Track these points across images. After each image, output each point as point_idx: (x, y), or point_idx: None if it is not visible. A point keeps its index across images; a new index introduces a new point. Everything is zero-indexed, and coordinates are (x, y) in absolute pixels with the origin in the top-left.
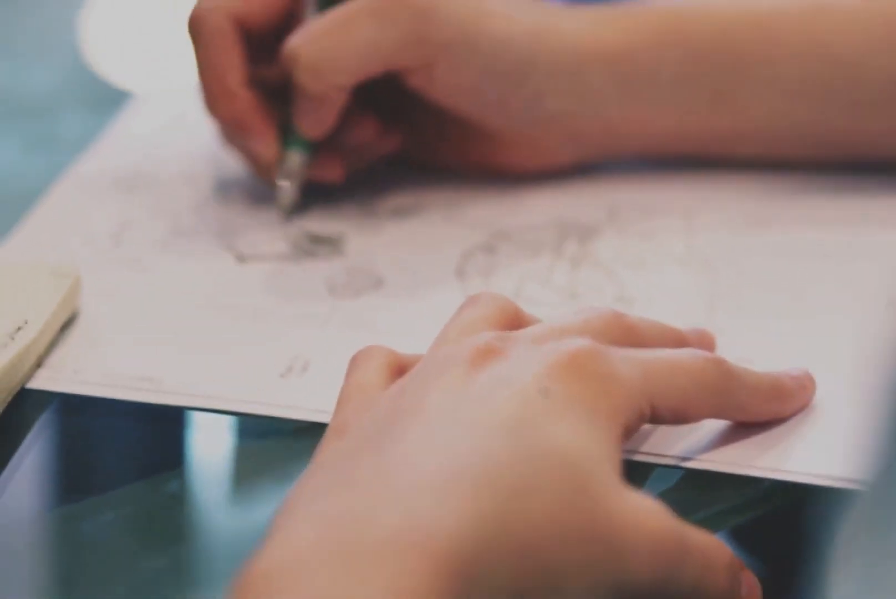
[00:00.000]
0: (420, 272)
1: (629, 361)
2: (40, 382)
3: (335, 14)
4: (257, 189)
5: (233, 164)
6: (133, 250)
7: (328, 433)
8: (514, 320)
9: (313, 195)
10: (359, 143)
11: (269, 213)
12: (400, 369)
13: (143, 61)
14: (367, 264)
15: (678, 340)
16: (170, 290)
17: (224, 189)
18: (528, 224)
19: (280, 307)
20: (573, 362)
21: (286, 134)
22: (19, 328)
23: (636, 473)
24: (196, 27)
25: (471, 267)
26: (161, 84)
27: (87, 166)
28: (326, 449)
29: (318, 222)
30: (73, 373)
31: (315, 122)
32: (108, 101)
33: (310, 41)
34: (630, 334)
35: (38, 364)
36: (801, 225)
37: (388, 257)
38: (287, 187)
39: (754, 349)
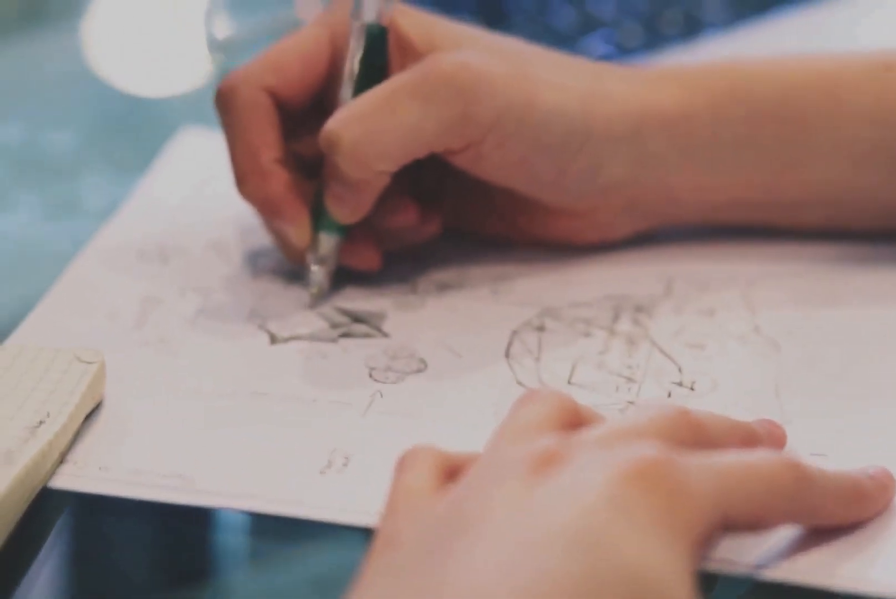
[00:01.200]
0: (466, 354)
1: (700, 469)
2: (64, 480)
3: (375, 94)
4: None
5: (263, 232)
6: (160, 330)
7: (377, 542)
8: (574, 419)
9: (349, 270)
10: (396, 228)
11: (304, 289)
12: (450, 471)
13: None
14: (408, 344)
15: (747, 436)
16: (199, 375)
17: (255, 260)
18: (580, 300)
19: (317, 394)
20: (642, 472)
21: (318, 215)
22: (41, 422)
23: (701, 582)
24: (228, 100)
25: (520, 348)
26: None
27: (110, 237)
28: (376, 562)
29: (356, 298)
30: (99, 470)
31: (351, 208)
32: (130, 159)
33: (350, 125)
34: (698, 434)
35: (61, 460)
36: (869, 301)
37: (431, 336)
38: (317, 273)
39: (827, 442)
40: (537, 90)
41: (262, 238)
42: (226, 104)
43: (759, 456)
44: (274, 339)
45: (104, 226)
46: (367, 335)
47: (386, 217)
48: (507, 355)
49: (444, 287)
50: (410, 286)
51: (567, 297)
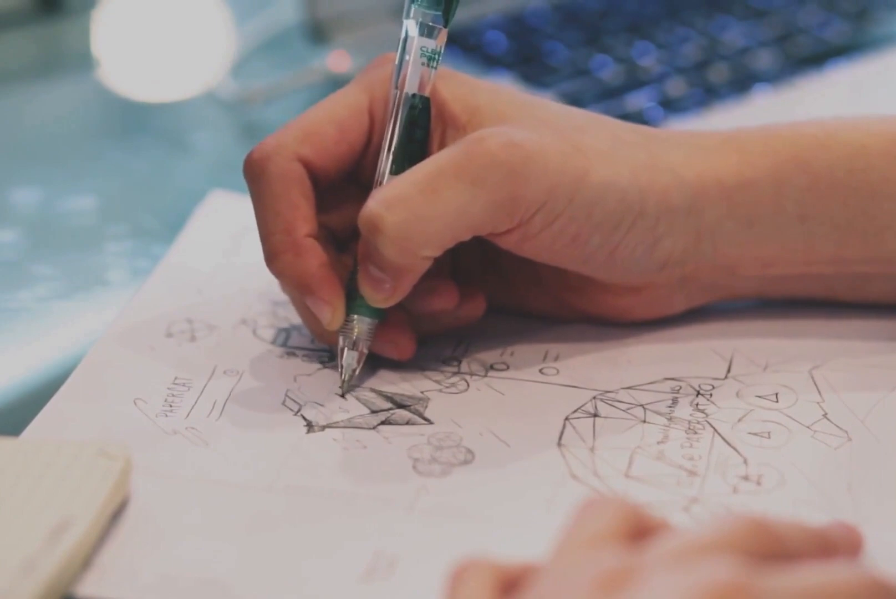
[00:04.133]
0: (515, 443)
1: (779, 593)
2: (88, 587)
3: (419, 175)
4: None
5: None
6: (189, 417)
7: None
8: (640, 528)
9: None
10: (434, 312)
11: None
12: (507, 585)
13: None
14: (454, 432)
15: (824, 545)
16: (232, 467)
17: (287, 336)
18: (635, 382)
19: (358, 488)
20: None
21: (351, 296)
22: (64, 526)
23: None
24: (259, 171)
25: (573, 436)
26: None
27: (135, 313)
28: None
29: (396, 381)
30: (126, 576)
31: (388, 294)
32: (154, 225)
33: (394, 208)
34: (775, 546)
35: (85, 565)
36: None
37: (477, 423)
38: (349, 358)
39: None
40: (589, 165)
41: (293, 311)
42: (257, 174)
43: (840, 576)
44: (311, 427)
45: (129, 301)
46: (409, 423)
47: (423, 301)
48: (559, 443)
49: (489, 368)
50: (454, 367)
51: (621, 378)
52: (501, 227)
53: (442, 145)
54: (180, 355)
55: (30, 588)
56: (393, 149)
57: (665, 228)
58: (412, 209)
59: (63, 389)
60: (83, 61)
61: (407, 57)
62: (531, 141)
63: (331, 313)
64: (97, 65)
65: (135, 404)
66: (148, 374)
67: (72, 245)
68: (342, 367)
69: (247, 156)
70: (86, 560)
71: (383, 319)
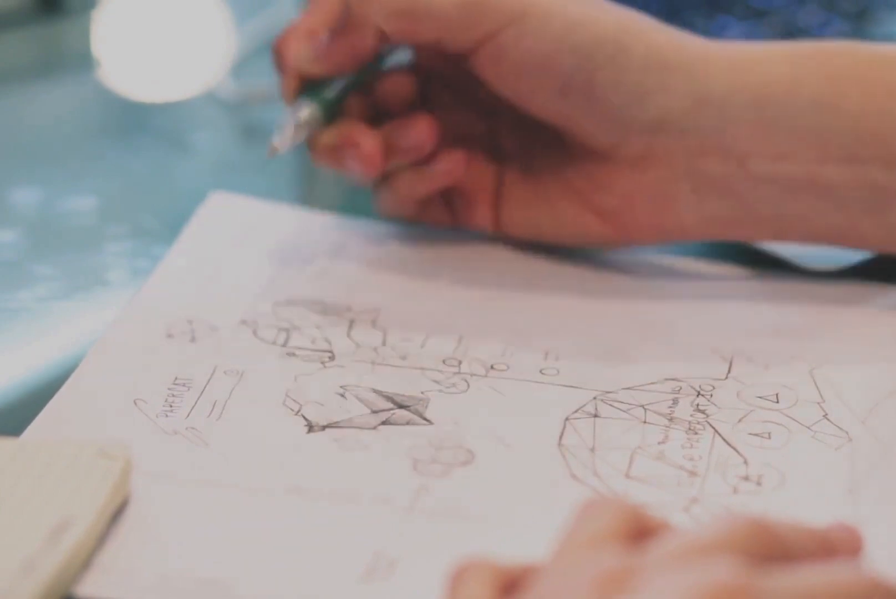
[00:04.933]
0: (515, 444)
1: (781, 594)
2: (88, 588)
3: None
4: (326, 338)
5: (297, 308)
6: (189, 417)
7: None
8: (641, 529)
9: (389, 349)
10: (410, 147)
11: (341, 369)
12: (507, 586)
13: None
14: (454, 432)
15: (825, 546)
16: (232, 467)
17: (287, 336)
18: (636, 383)
19: (357, 489)
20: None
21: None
22: (64, 526)
23: None
24: None
25: (573, 437)
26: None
27: (135, 314)
28: None
29: (396, 381)
30: (127, 575)
31: (338, 51)
32: (155, 225)
33: None
34: (775, 547)
35: (85, 566)
36: None
37: (477, 423)
38: (287, 129)
39: None
40: (568, 3)
41: (294, 312)
42: None
43: (840, 577)
44: (311, 427)
45: (129, 301)
46: (409, 423)
47: (401, 131)
48: (559, 444)
49: (489, 367)
50: (454, 367)
51: (622, 379)
52: (469, 31)
53: None
54: (180, 356)
55: (30, 588)
56: None
57: (656, 81)
58: None
59: (63, 389)
60: (83, 61)
61: None
62: None
63: (284, 82)
64: (97, 65)
65: (135, 404)
66: (148, 374)
67: (72, 245)
68: (277, 130)
69: None
70: (86, 560)
71: (329, 116)
